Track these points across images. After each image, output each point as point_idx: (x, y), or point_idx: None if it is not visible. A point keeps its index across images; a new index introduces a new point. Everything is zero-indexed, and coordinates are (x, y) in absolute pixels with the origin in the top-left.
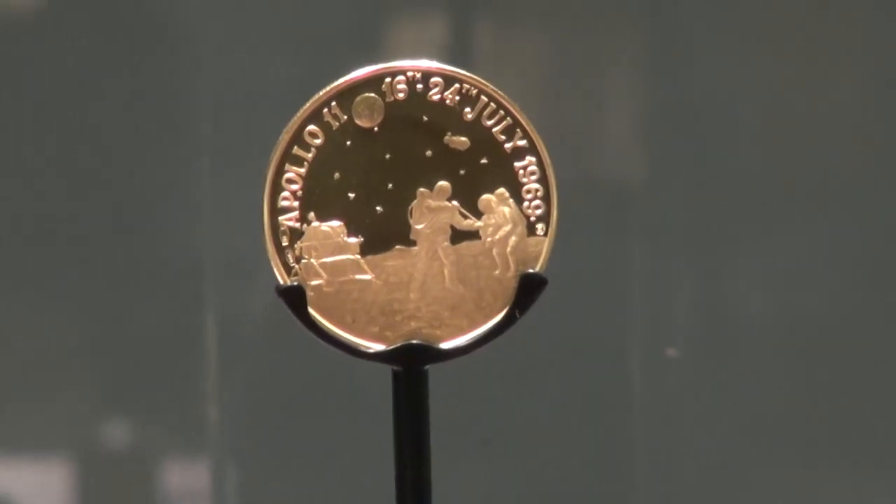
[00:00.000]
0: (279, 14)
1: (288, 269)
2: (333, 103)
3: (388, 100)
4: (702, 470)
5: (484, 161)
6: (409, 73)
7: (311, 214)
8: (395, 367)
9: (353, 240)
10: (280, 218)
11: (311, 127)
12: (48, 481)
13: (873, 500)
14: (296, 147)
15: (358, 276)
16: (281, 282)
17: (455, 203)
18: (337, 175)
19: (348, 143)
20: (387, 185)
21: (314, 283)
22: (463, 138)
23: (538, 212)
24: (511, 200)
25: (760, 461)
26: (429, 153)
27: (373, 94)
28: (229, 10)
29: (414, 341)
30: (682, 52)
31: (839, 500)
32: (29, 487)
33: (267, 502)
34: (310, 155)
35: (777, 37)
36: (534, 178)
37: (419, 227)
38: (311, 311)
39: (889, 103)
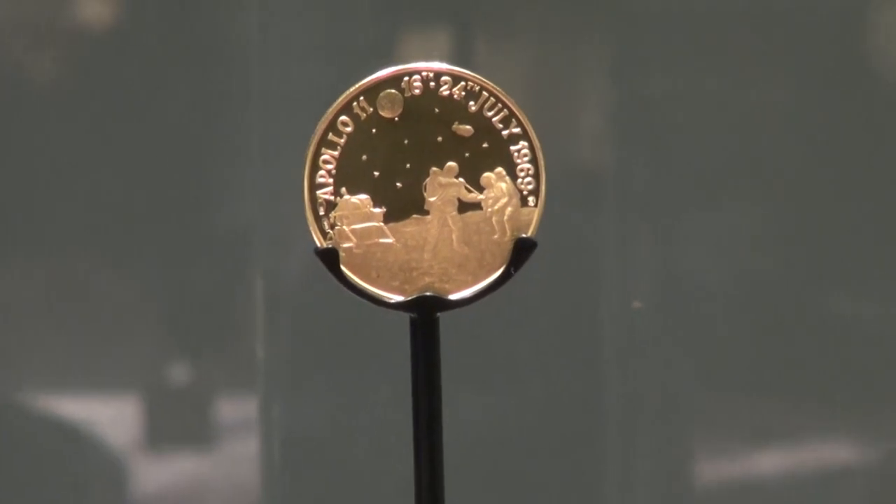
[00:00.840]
0: (317, 30)
1: (324, 235)
2: (361, 98)
3: (406, 95)
4: (663, 397)
5: (485, 145)
6: (424, 73)
7: (343, 189)
8: (412, 315)
9: (377, 210)
10: (318, 192)
11: (343, 117)
12: (122, 412)
13: (814, 424)
14: (330, 134)
15: (381, 240)
16: (318, 245)
17: (461, 180)
18: (364, 157)
19: (373, 130)
20: (405, 165)
21: (345, 245)
22: (468, 126)
23: (529, 187)
24: (507, 177)
25: (711, 391)
26: (440, 139)
27: (394, 91)
28: (276, 28)
29: (427, 293)
30: (643, 58)
31: (783, 427)
32: (106, 417)
33: (306, 429)
34: (342, 140)
35: (722, 44)
36: (526, 159)
37: (432, 199)
38: (343, 268)
39: (818, 96)
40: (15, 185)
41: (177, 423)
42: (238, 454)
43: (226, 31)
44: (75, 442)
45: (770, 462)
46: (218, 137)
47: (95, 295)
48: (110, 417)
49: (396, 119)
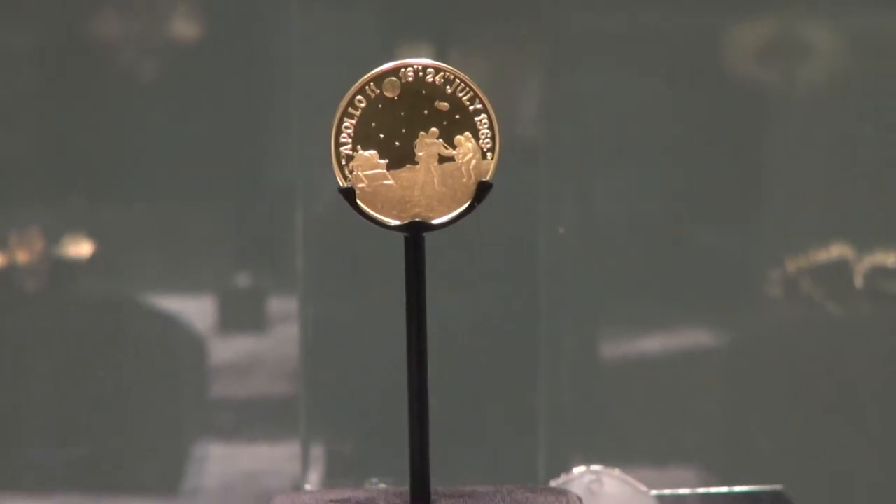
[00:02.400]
0: (339, 39)
1: (345, 178)
2: (371, 83)
3: (402, 81)
4: (579, 298)
5: (457, 116)
6: (415, 66)
7: (359, 146)
8: (405, 234)
9: (382, 161)
10: (341, 148)
11: (359, 97)
12: (203, 307)
13: (685, 317)
14: (350, 108)
15: (385, 182)
16: (341, 185)
17: (440, 140)
18: (373, 124)
19: (380, 106)
20: (402, 130)
21: (360, 185)
22: (445, 104)
23: (488, 146)
24: (472, 139)
25: (613, 294)
26: (426, 112)
27: (394, 78)
28: (311, 39)
29: (416, 219)
30: (569, 63)
31: (664, 320)
32: (192, 310)
33: (333, 319)
34: (358, 112)
35: (625, 54)
36: (485, 127)
37: (420, 154)
38: (358, 202)
39: (687, 92)
40: (132, 153)
41: (240, 315)
42: (283, 337)
43: (275, 40)
44: (172, 327)
45: (652, 344)
46: (272, 115)
47: (185, 226)
48: (195, 310)
49: (396, 98)
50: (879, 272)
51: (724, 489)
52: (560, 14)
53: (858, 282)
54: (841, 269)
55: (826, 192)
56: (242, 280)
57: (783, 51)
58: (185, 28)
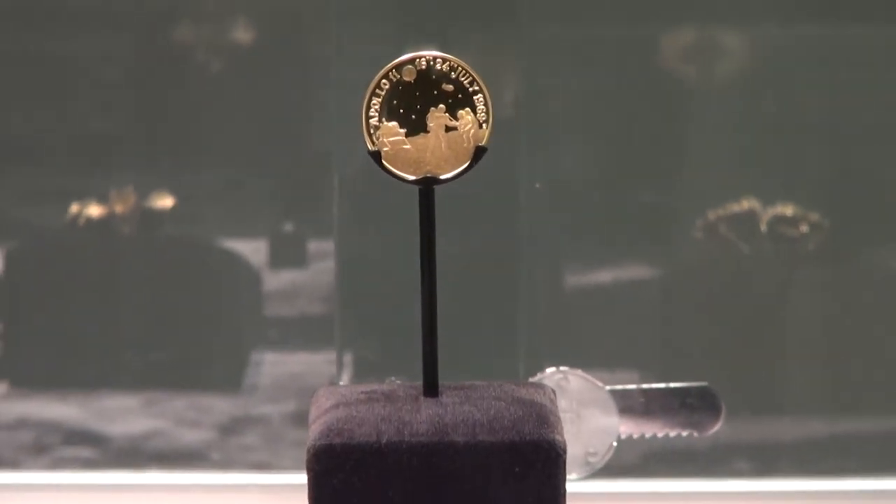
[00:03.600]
0: (367, 39)
1: (373, 143)
2: (393, 70)
3: (417, 68)
4: (549, 238)
5: (459, 96)
6: (427, 56)
7: (383, 119)
8: (420, 187)
9: (402, 130)
10: (370, 120)
11: (384, 80)
12: (258, 247)
13: (625, 254)
14: (377, 89)
15: (404, 146)
16: (370, 148)
17: (447, 114)
18: (395, 101)
19: (400, 87)
20: (417, 106)
21: (384, 149)
22: (450, 86)
23: (483, 118)
24: (472, 113)
25: (574, 236)
26: (435, 92)
27: (411, 65)
28: (347, 42)
29: (428, 175)
30: (537, 63)
31: (613, 257)
32: (249, 250)
33: (363, 255)
34: (383, 92)
35: (578, 59)
36: (481, 104)
37: (431, 125)
38: (383, 162)
39: (631, 86)
40: (204, 128)
41: (286, 252)
42: (321, 270)
43: (318, 40)
44: (234, 262)
45: (605, 276)
46: (315, 96)
47: (245, 184)
48: (252, 249)
49: (412, 81)
50: (779, 220)
51: (661, 385)
52: (533, 23)
53: (763, 227)
54: (750, 218)
55: (738, 160)
56: (289, 226)
57: (702, 52)
58: (245, 32)
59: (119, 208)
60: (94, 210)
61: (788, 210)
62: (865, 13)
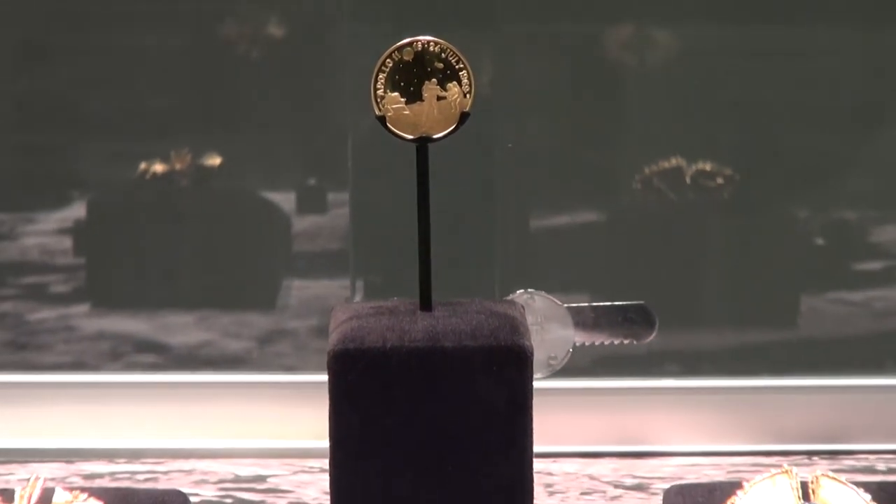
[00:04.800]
0: (373, 29)
1: (380, 109)
2: (395, 51)
3: (415, 50)
4: (519, 180)
5: (448, 72)
6: (423, 41)
7: (388, 90)
8: (417, 144)
9: (402, 99)
10: (377, 91)
11: (388, 60)
12: (288, 197)
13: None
14: (382, 67)
15: (404, 112)
16: (377, 114)
17: (438, 86)
18: (396, 77)
19: (401, 65)
20: (414, 80)
21: (388, 114)
22: (441, 64)
23: (467, 90)
24: (458, 86)
25: (532, 169)
26: (429, 69)
27: (409, 48)
28: (359, 36)
29: (423, 135)
30: (511, 48)
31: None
32: (280, 199)
33: (375, 203)
34: (387, 69)
35: (549, 41)
36: (466, 79)
37: (425, 95)
38: (388, 125)
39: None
40: (245, 102)
41: (310, 201)
42: (338, 215)
43: (334, 33)
44: (269, 209)
45: (563, 219)
46: (333, 74)
47: (277, 146)
48: (283, 199)
49: (411, 60)
50: (700, 174)
51: (607, 303)
52: (505, 23)
53: (687, 180)
54: (677, 173)
55: (668, 128)
56: (312, 180)
57: (638, 44)
58: (277, 28)
59: (178, 166)
60: (159, 167)
61: (707, 166)
62: (768, 16)
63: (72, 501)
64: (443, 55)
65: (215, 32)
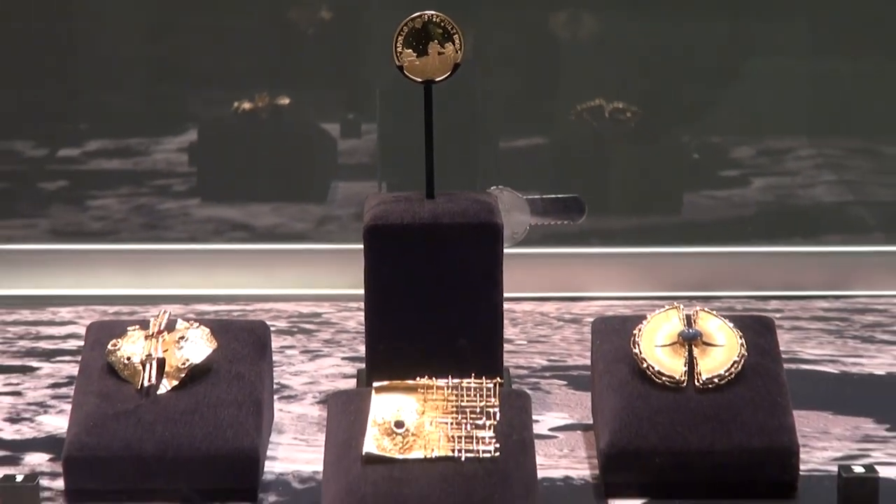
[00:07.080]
0: (392, 12)
1: (398, 61)
2: (409, 21)
3: (423, 20)
4: (497, 125)
5: (445, 35)
6: (428, 14)
7: (404, 48)
8: (424, 85)
9: (414, 53)
10: (396, 49)
11: (404, 27)
12: (331, 128)
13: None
14: (400, 31)
15: (415, 63)
16: (397, 64)
17: (439, 45)
18: (410, 38)
19: (413, 31)
20: (422, 41)
21: (404, 65)
22: (440, 30)
23: (458, 48)
24: (452, 45)
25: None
26: (433, 33)
27: (419, 18)
28: (380, 12)
29: (428, 79)
30: (488, 30)
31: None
32: (327, 129)
33: (394, 132)
34: (403, 34)
35: (517, 26)
36: (458, 41)
37: (430, 51)
38: (404, 72)
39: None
40: (303, 63)
41: (350, 129)
42: (369, 138)
43: (369, 9)
44: (322, 135)
45: (523, 142)
46: (365, 39)
47: (326, 92)
48: (330, 128)
49: (420, 27)
50: (615, 110)
51: (552, 196)
52: (481, 12)
53: (606, 115)
54: (599, 109)
55: (594, 79)
56: (351, 115)
57: (572, 23)
58: (327, 11)
59: (260, 104)
60: (247, 105)
61: (620, 105)
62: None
63: (188, 327)
64: (442, 24)
65: (284, 15)
